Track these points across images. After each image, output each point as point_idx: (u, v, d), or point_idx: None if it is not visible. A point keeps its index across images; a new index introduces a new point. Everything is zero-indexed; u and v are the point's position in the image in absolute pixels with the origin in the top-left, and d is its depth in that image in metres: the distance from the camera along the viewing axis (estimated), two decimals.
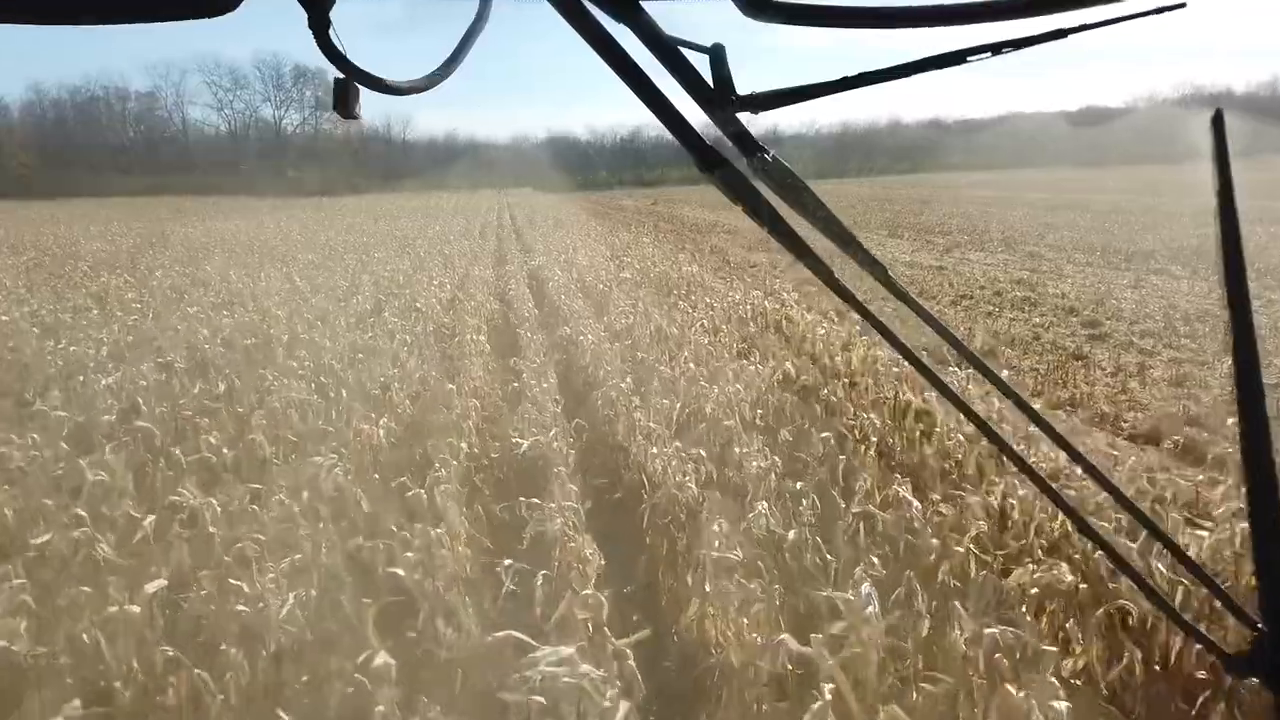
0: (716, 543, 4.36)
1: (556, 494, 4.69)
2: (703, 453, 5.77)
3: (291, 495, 4.52)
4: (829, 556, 4.75)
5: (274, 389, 6.98)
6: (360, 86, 0.67)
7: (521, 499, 4.55)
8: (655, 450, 5.56)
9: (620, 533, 5.17)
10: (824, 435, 6.45)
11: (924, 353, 0.89)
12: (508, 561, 3.88)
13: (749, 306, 11.70)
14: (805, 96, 0.74)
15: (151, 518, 4.17)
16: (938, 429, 6.56)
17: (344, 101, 0.68)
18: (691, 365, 8.33)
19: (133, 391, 7.34)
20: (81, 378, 7.55)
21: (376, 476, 5.25)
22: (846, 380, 8.01)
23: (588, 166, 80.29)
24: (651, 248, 21.52)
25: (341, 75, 0.66)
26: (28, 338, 9.41)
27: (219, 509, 4.54)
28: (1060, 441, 0.80)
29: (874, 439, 6.41)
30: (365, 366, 8.16)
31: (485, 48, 0.81)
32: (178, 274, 15.90)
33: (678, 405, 6.59)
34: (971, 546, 4.63)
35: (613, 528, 5.22)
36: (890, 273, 0.78)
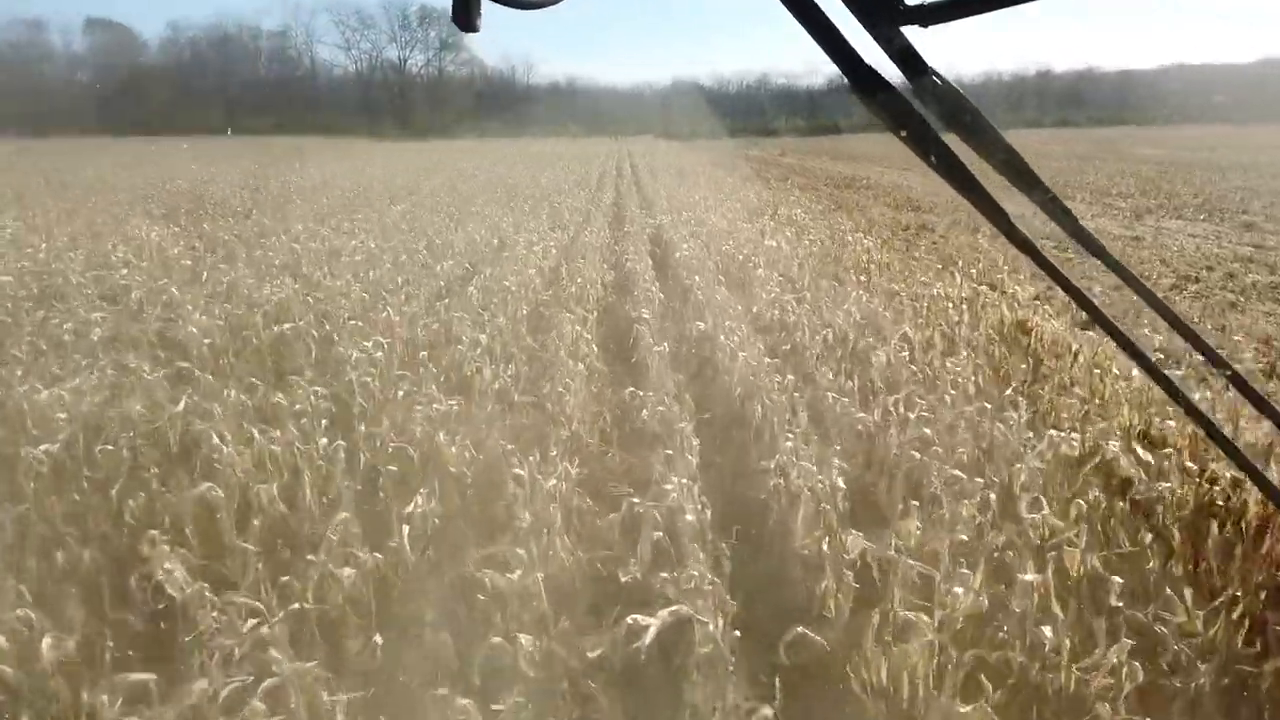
0: None
1: None
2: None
3: None
4: None
5: (254, 449, 4.38)
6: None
7: None
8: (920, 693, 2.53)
9: None
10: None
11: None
12: None
13: (976, 306, 8.22)
14: (990, 5, 0.60)
15: None
16: None
17: (465, 11, 0.63)
18: (912, 417, 5.12)
19: (85, 415, 5.00)
20: (24, 387, 5.24)
21: None
22: (1196, 469, 4.60)
23: (712, 114, 75.74)
24: (798, 208, 17.99)
25: None
26: (16, 306, 7.35)
27: None
28: None
29: None
30: (413, 390, 5.50)
31: None
32: (249, 225, 13.89)
33: (937, 562, 3.46)
34: None
35: None
36: (1082, 223, 0.72)
